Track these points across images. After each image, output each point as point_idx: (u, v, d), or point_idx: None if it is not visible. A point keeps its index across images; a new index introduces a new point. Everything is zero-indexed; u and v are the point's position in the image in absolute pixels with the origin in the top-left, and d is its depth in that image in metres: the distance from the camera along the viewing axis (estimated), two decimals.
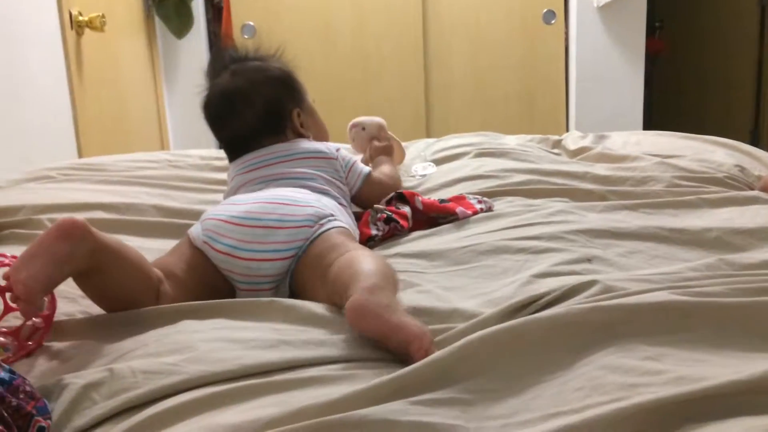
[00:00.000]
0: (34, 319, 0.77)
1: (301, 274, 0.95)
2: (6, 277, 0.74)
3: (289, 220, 0.95)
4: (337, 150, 1.24)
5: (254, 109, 1.18)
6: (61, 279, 0.76)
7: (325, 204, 1.04)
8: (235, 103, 1.18)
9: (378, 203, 1.23)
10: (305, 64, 3.12)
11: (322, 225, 0.97)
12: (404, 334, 0.69)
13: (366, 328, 0.71)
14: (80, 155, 2.10)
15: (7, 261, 0.79)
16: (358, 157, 1.31)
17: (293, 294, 0.96)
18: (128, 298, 0.82)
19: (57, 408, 0.63)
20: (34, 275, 0.71)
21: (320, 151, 1.20)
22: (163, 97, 3.06)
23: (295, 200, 1.00)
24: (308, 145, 1.20)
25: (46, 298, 0.77)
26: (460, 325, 0.76)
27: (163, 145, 2.97)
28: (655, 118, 3.95)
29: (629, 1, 3.07)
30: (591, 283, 0.80)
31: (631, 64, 3.18)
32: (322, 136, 1.30)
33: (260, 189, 1.10)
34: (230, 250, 0.93)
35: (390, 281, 0.79)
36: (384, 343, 0.71)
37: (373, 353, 0.71)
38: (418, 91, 3.18)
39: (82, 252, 0.75)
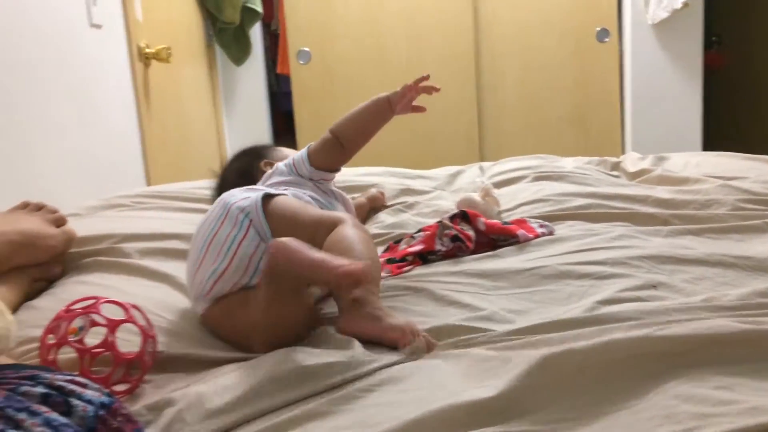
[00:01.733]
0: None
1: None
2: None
3: (222, 214, 1.01)
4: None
5: (229, 180, 1.34)
6: None
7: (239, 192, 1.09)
8: (220, 189, 1.32)
9: (332, 157, 1.25)
10: (359, 89, 3.23)
11: (254, 190, 1.06)
12: (387, 337, 0.83)
13: (355, 333, 0.85)
14: (148, 181, 2.19)
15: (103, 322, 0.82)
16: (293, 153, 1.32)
17: None
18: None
19: (151, 431, 0.68)
20: None
21: (268, 173, 1.25)
22: (223, 122, 3.16)
23: (212, 208, 1.06)
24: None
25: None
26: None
27: None
28: (713, 136, 3.87)
29: (685, 17, 3.01)
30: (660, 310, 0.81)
31: (688, 81, 3.13)
32: None
33: None
34: (217, 274, 0.96)
35: (373, 276, 0.91)
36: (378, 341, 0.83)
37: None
38: (471, 114, 3.20)
39: None
